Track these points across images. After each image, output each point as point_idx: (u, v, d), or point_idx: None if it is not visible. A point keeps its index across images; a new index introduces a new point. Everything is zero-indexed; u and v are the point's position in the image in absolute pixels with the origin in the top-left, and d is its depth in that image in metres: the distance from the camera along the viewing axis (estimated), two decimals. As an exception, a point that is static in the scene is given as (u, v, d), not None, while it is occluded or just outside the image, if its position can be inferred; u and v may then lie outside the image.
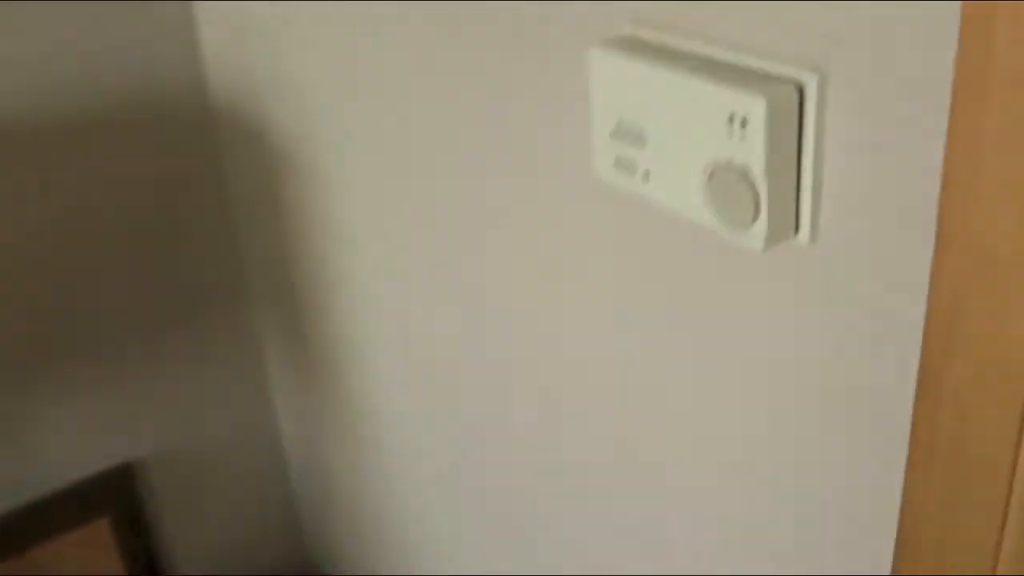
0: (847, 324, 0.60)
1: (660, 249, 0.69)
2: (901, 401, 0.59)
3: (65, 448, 1.35)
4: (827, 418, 0.64)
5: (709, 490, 0.76)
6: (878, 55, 0.53)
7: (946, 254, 0.52)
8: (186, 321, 1.38)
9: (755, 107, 0.55)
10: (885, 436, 0.61)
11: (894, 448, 0.60)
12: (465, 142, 0.87)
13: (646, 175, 0.64)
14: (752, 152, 0.56)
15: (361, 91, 0.99)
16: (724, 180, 0.58)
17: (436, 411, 1.11)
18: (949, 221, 0.52)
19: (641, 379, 0.78)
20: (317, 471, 1.49)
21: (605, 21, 0.67)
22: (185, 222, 1.34)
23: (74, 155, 1.24)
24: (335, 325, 1.24)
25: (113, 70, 1.22)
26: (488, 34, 0.78)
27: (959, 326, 0.53)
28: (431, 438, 1.15)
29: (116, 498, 1.39)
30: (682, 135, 0.60)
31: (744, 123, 0.56)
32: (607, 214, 0.73)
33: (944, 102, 0.51)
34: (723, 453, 0.73)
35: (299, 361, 1.38)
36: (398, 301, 1.08)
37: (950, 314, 0.53)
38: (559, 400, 0.89)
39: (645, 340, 0.75)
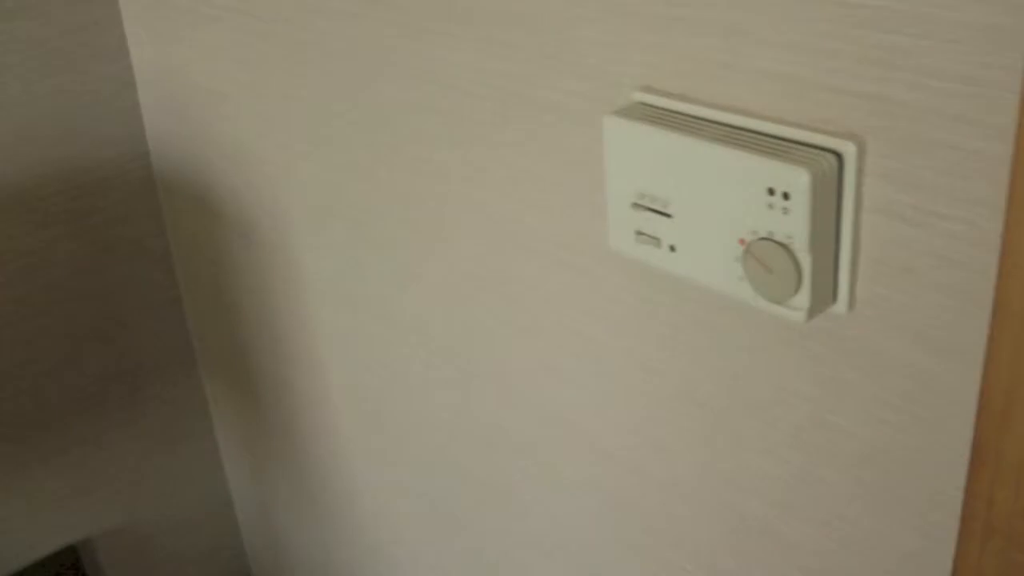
0: (888, 391, 0.59)
1: (685, 322, 0.67)
2: (949, 470, 0.58)
3: (10, 533, 1.27)
4: (870, 488, 0.62)
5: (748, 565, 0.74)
6: (919, 121, 0.52)
7: (1005, 323, 0.51)
8: (132, 394, 1.32)
9: (799, 180, 0.54)
10: (932, 506, 0.59)
11: (943, 519, 0.59)
12: (439, 210, 0.84)
13: (671, 248, 0.62)
14: (795, 225, 0.55)
15: (317, 155, 0.95)
16: (763, 253, 0.57)
17: (409, 481, 1.07)
18: (1009, 290, 0.51)
19: (667, 456, 0.76)
20: (273, 544, 1.43)
21: (610, 88, 0.66)
22: (130, 291, 1.28)
23: (11, 223, 1.17)
24: (291, 393, 1.20)
25: (54, 135, 1.16)
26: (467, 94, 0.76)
27: (1019, 396, 0.52)
28: (401, 507, 1.11)
29: (63, 585, 1.31)
30: (714, 207, 0.58)
31: (786, 196, 0.54)
32: (624, 287, 0.70)
33: (994, 171, 0.50)
34: (761, 526, 0.71)
35: (252, 431, 1.33)
36: (367, 372, 1.04)
37: (1010, 383, 0.52)
38: (562, 480, 0.86)
39: (666, 409, 0.73)
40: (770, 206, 0.55)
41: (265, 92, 0.99)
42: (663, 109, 0.62)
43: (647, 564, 0.81)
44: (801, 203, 0.54)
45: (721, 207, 0.58)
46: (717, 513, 0.73)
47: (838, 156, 0.55)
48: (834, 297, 0.58)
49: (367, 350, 1.03)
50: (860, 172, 0.55)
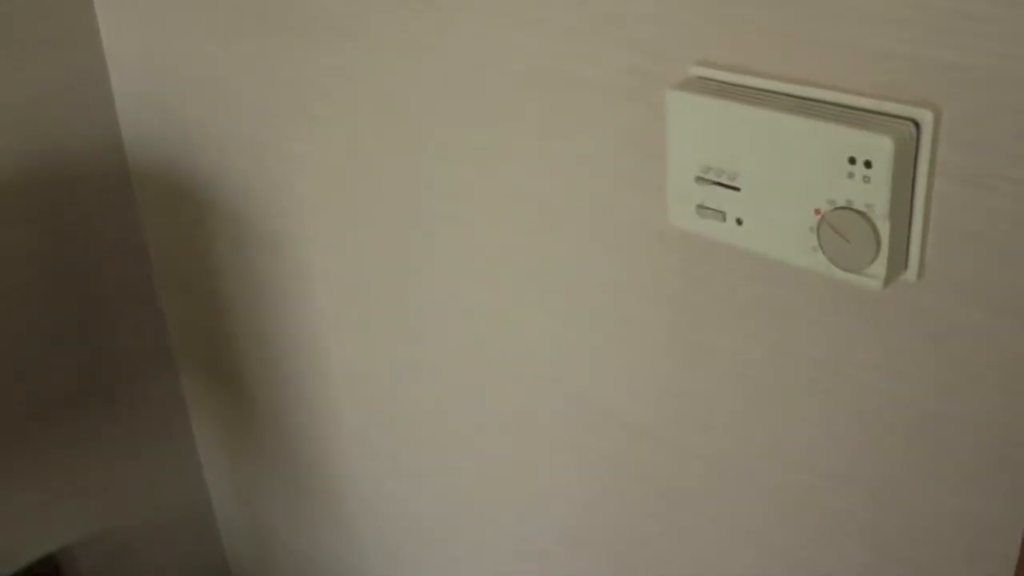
0: (957, 358, 0.60)
1: (744, 296, 0.68)
2: (1013, 431, 0.59)
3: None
4: (933, 456, 0.63)
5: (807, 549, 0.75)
6: (993, 90, 0.53)
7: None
8: (108, 395, 1.28)
9: (882, 148, 0.54)
10: (1000, 470, 0.61)
11: (1012, 486, 0.60)
12: (464, 195, 0.83)
13: (738, 221, 0.62)
14: (875, 193, 0.55)
15: (317, 140, 0.93)
16: (840, 222, 0.57)
17: (418, 475, 1.06)
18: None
19: (715, 434, 0.76)
20: (255, 544, 1.40)
21: (663, 63, 0.66)
22: (105, 289, 1.24)
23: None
24: (282, 388, 1.17)
25: (21, 127, 1.12)
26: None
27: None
28: (401, 509, 1.10)
29: (43, 596, 1.27)
30: (788, 178, 0.59)
31: (868, 164, 0.55)
32: (681, 264, 0.70)
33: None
34: (812, 498, 0.72)
35: (235, 430, 1.30)
36: (370, 364, 1.03)
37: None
38: (588, 460, 0.86)
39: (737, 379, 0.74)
40: (850, 175, 0.56)
41: (255, 75, 0.97)
42: (724, 83, 0.62)
43: (690, 542, 0.82)
44: (884, 171, 0.55)
45: (796, 178, 0.58)
46: (768, 490, 0.74)
47: (915, 124, 0.55)
48: (905, 265, 0.59)
49: (374, 341, 1.01)
50: (935, 140, 0.56)
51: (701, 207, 0.63)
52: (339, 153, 0.93)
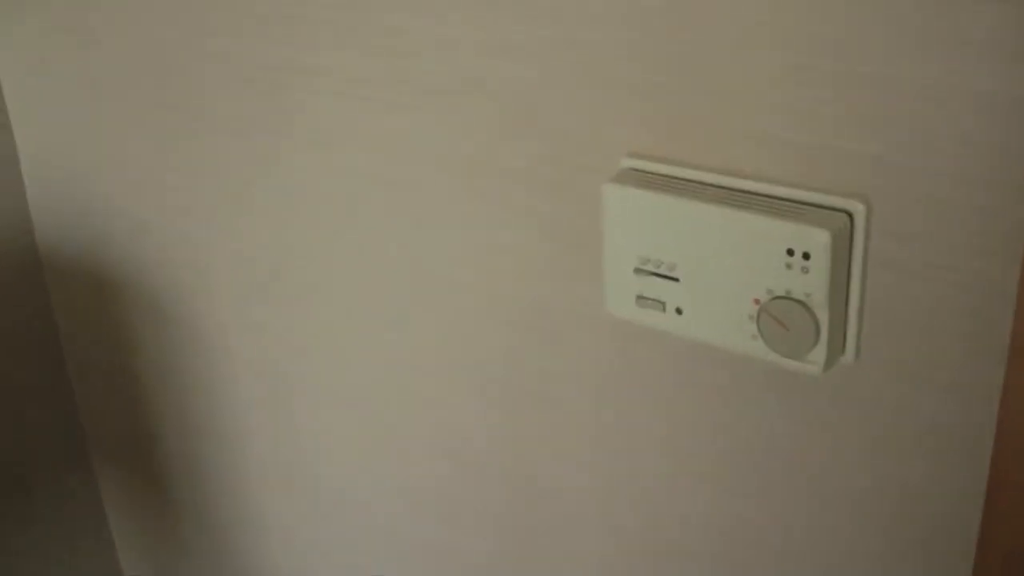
0: (897, 433, 0.61)
1: (697, 382, 0.68)
2: (963, 504, 0.61)
3: None
4: (878, 529, 0.65)
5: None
6: (922, 180, 0.55)
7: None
8: (19, 490, 1.23)
9: (820, 241, 0.56)
10: (947, 541, 0.62)
11: (955, 556, 0.62)
12: (391, 282, 0.83)
13: (678, 311, 0.63)
14: (814, 283, 0.57)
15: (240, 224, 0.92)
16: (780, 311, 0.58)
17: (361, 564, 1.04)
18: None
19: (693, 529, 0.76)
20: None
21: (589, 154, 0.66)
22: (16, 379, 1.20)
23: None
24: (205, 473, 1.14)
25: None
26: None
27: (1037, 432, 0.55)
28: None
29: None
30: (726, 269, 0.60)
31: (807, 256, 0.56)
32: (626, 351, 0.71)
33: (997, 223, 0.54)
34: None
35: (154, 520, 1.25)
36: (293, 450, 1.01)
37: (1026, 421, 0.55)
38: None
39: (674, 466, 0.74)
40: (788, 266, 0.57)
41: (165, 161, 0.95)
42: (657, 174, 0.63)
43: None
44: (822, 262, 0.56)
45: (734, 268, 0.59)
46: (714, 566, 0.74)
47: (849, 215, 0.57)
48: (843, 349, 0.60)
49: (297, 426, 1.00)
50: (868, 230, 0.57)
51: (640, 297, 0.64)
52: (255, 237, 0.91)
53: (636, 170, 0.64)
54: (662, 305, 0.63)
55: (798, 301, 0.58)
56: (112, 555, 1.35)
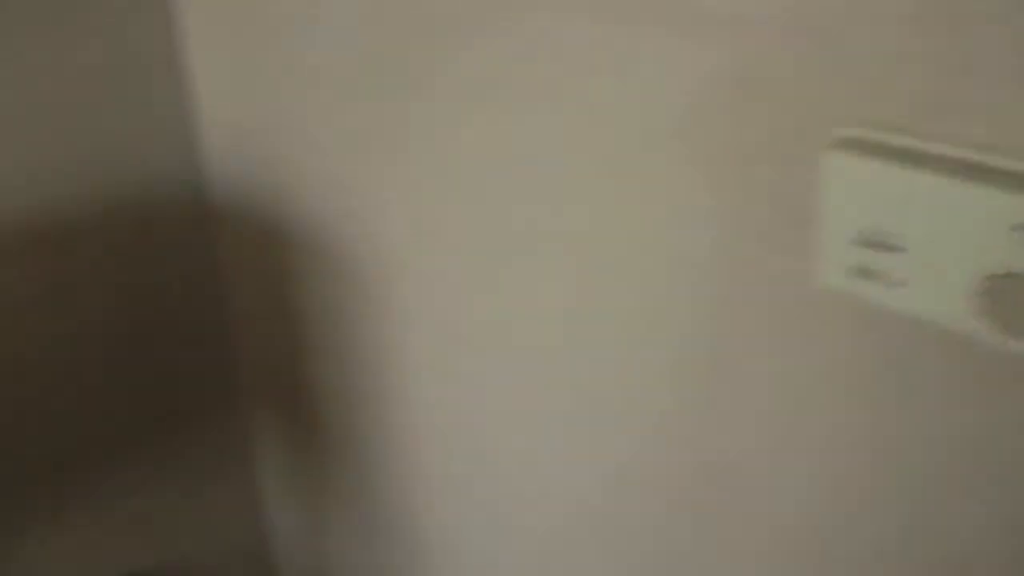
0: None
1: (907, 364, 0.67)
2: None
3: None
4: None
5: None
6: None
7: None
8: (169, 431, 1.28)
9: (1060, 216, 0.54)
10: None
11: None
12: (567, 236, 0.83)
13: (895, 284, 0.62)
14: (1043, 260, 0.55)
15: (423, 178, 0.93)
16: (1004, 288, 0.57)
17: (516, 537, 1.05)
18: None
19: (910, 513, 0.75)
20: (322, 578, 1.40)
21: (815, 119, 0.66)
22: (178, 326, 1.24)
23: (63, 261, 1.13)
24: (364, 425, 1.17)
25: (108, 171, 1.13)
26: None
27: None
28: (488, 547, 1.09)
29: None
30: (951, 243, 0.59)
31: (1037, 231, 0.55)
32: (832, 326, 0.70)
33: None
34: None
35: (304, 468, 1.29)
36: (456, 411, 1.03)
37: None
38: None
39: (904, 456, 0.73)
40: (1013, 241, 0.56)
41: (346, 116, 0.97)
42: (880, 144, 0.62)
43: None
44: (1055, 239, 0.55)
45: (959, 244, 0.58)
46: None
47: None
48: (1063, 328, 0.59)
49: (465, 383, 1.01)
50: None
51: (856, 269, 0.63)
52: (429, 195, 0.93)
53: (857, 139, 0.63)
54: (878, 278, 0.62)
55: (1020, 278, 0.56)
56: (258, 496, 1.39)
